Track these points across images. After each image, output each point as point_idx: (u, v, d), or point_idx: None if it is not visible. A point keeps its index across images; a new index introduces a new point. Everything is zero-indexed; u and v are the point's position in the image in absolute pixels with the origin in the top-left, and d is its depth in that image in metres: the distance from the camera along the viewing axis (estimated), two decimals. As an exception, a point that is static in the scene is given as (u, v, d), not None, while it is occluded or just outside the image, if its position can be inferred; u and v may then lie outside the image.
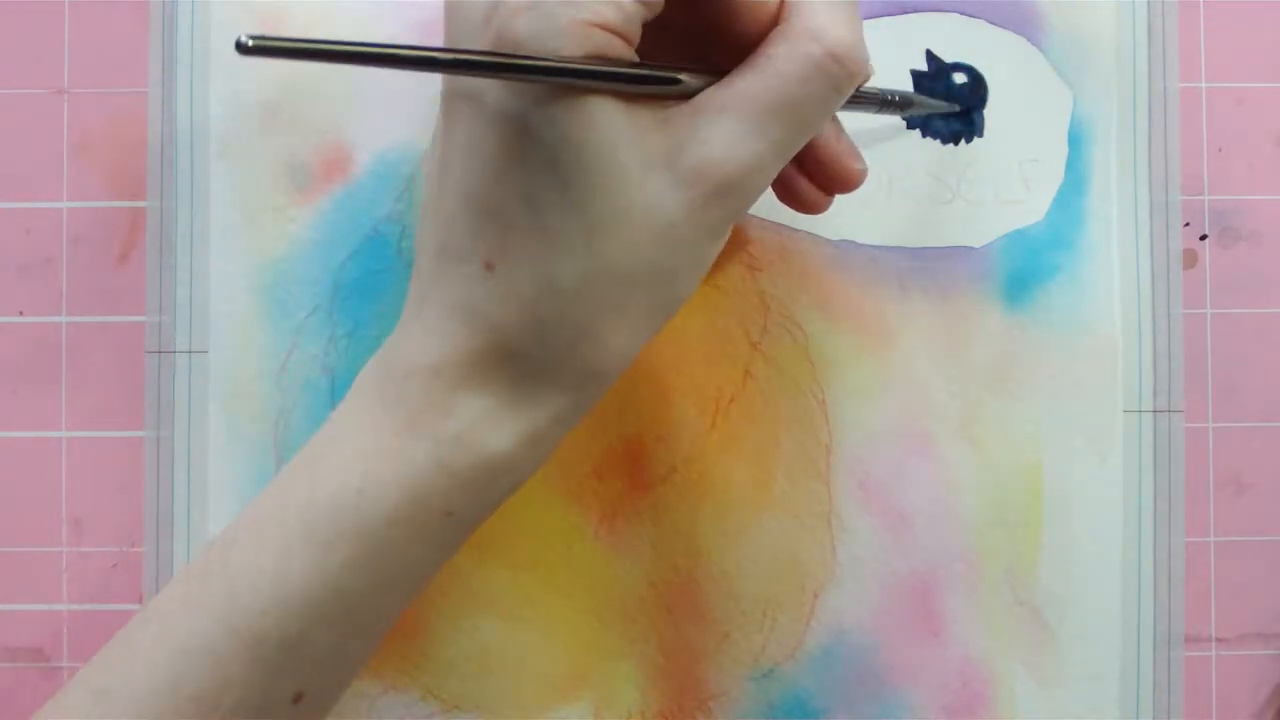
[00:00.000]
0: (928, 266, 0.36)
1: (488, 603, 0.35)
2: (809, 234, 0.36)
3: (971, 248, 0.36)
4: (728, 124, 0.26)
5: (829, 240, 0.36)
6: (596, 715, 0.35)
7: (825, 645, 0.35)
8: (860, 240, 0.36)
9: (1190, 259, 0.37)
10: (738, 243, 0.36)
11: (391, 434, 0.27)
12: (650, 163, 0.26)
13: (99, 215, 0.37)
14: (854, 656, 0.35)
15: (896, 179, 0.36)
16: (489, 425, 0.27)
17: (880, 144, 0.36)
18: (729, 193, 0.26)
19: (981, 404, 0.36)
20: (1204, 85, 0.37)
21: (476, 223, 0.26)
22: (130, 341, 0.36)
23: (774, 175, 0.27)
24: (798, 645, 0.35)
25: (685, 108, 0.26)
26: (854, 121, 0.36)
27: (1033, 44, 0.36)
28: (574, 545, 0.35)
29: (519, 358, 0.27)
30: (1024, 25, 0.36)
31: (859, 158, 0.30)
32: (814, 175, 0.30)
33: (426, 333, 0.28)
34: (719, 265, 0.36)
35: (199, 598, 0.27)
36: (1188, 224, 0.37)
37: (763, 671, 0.35)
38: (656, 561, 0.35)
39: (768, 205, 0.36)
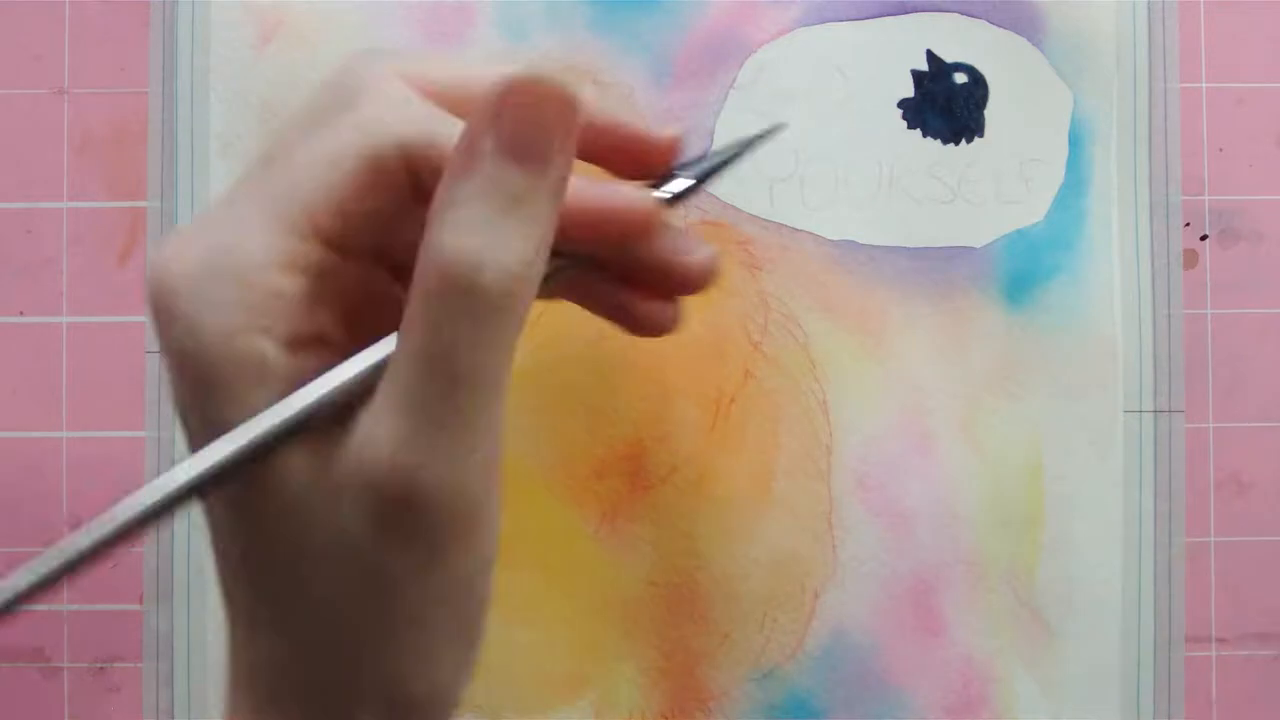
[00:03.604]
0: (928, 266, 0.36)
1: (488, 603, 0.35)
2: (810, 234, 0.36)
3: (971, 248, 0.36)
4: (382, 423, 0.21)
5: (830, 240, 0.36)
6: (597, 715, 0.35)
7: (825, 645, 0.35)
8: (861, 240, 0.36)
9: (1190, 259, 0.37)
10: (738, 242, 0.36)
11: None
12: (335, 497, 0.21)
13: (99, 215, 0.37)
14: (854, 656, 0.35)
15: (897, 179, 0.36)
16: None
17: (880, 144, 0.36)
18: (413, 507, 0.21)
19: (981, 404, 0.36)
20: (1204, 85, 0.37)
21: (234, 590, 0.23)
22: (130, 341, 0.36)
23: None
24: (798, 645, 0.35)
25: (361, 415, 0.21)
26: (855, 121, 0.36)
27: (1033, 44, 0.36)
28: (574, 545, 0.35)
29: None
30: (1024, 25, 0.36)
31: (701, 245, 0.26)
32: (654, 288, 0.26)
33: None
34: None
35: None
36: (1188, 224, 0.37)
37: (763, 672, 0.35)
38: (656, 561, 0.35)
39: (768, 205, 0.36)
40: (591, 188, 0.24)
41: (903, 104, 0.36)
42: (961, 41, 0.36)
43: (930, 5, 0.36)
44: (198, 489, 0.21)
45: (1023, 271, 0.36)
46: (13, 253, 0.37)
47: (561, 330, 0.35)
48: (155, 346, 0.36)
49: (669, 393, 0.35)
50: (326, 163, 0.22)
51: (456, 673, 0.24)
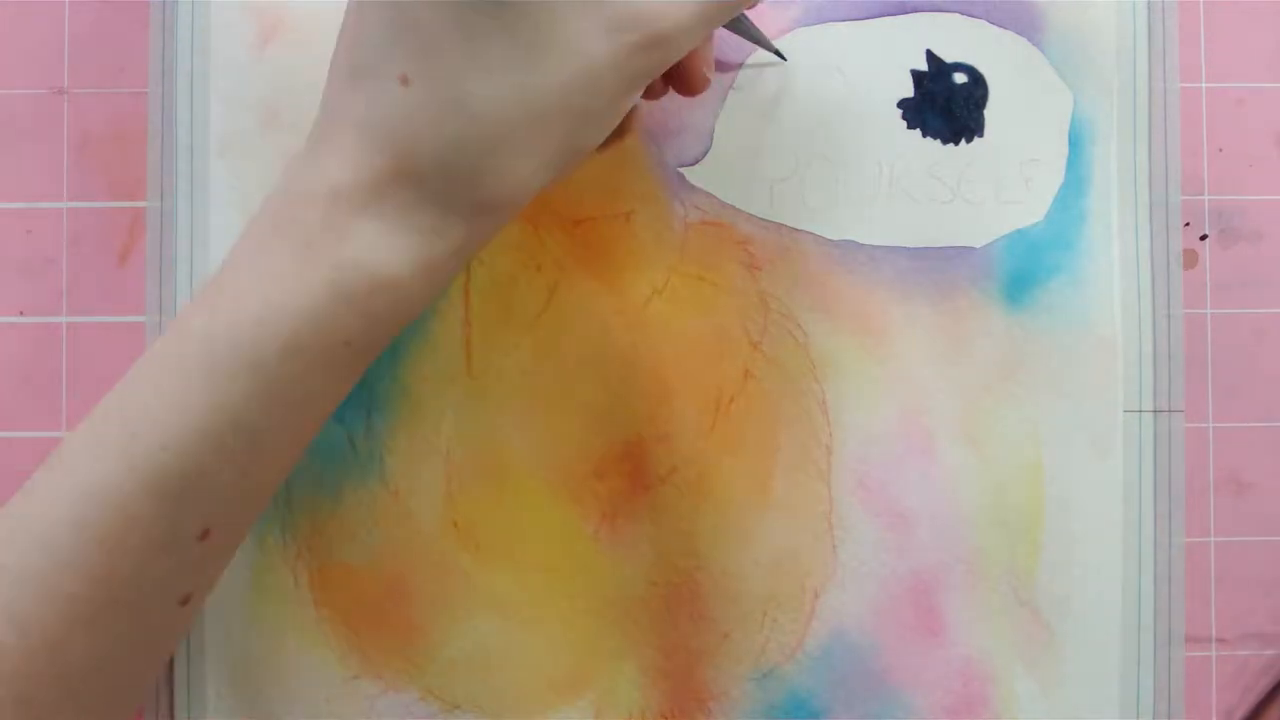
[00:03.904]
0: (928, 266, 0.36)
1: (488, 603, 0.35)
2: (810, 234, 0.36)
3: (971, 248, 0.36)
4: None
5: (830, 240, 0.36)
6: (597, 715, 0.35)
7: (825, 645, 0.35)
8: (861, 240, 0.36)
9: (1190, 259, 0.37)
10: (738, 242, 0.36)
11: (289, 260, 0.27)
12: (587, 2, 0.26)
13: (99, 215, 0.37)
14: (854, 656, 0.35)
15: (897, 179, 0.36)
16: (386, 251, 0.27)
17: (880, 144, 0.36)
18: (655, 46, 0.27)
19: (981, 404, 0.36)
20: (1204, 85, 0.37)
21: (398, 38, 0.27)
22: (130, 341, 0.36)
23: (698, 40, 0.28)
24: (798, 645, 0.35)
25: None
26: (855, 121, 0.36)
27: (1033, 44, 0.36)
28: (574, 545, 0.35)
29: (420, 181, 0.27)
30: (1024, 25, 0.36)
31: (711, 68, 0.32)
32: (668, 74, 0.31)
33: (329, 154, 0.27)
34: (719, 265, 0.36)
35: (100, 439, 0.27)
36: (1188, 224, 0.37)
37: (763, 672, 0.35)
38: (656, 561, 0.35)
39: (768, 205, 0.36)
40: None
41: (903, 104, 0.36)
42: (961, 41, 0.36)
43: (930, 5, 0.36)
44: None
45: (1023, 271, 0.36)
46: (13, 253, 0.37)
47: (562, 330, 0.35)
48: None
49: (669, 393, 0.35)
50: None
51: (543, 183, 0.28)
